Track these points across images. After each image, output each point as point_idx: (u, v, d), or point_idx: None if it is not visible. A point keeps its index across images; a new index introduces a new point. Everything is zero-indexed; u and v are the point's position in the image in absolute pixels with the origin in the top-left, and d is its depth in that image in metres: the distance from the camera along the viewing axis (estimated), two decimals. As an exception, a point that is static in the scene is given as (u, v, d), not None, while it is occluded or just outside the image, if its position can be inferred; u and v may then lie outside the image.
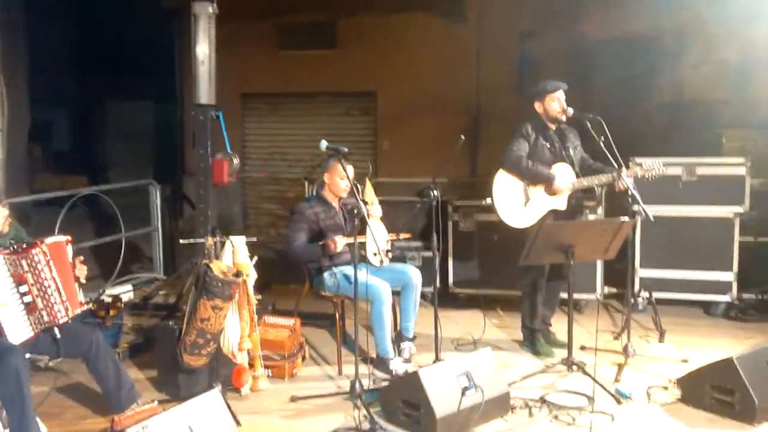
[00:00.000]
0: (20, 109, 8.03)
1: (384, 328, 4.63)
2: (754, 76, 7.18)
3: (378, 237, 4.49)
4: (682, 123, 7.41)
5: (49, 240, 3.68)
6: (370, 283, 4.44)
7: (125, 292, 6.22)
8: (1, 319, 3.43)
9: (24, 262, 3.53)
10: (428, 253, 6.04)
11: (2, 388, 3.33)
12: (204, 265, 4.19)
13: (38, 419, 3.51)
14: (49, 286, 3.57)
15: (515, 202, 4.86)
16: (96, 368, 3.75)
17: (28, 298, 3.54)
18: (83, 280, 3.82)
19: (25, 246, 3.57)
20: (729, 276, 5.81)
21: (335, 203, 4.93)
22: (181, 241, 5.35)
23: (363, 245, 4.63)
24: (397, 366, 4.59)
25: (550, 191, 4.85)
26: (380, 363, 4.62)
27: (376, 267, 4.67)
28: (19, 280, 3.52)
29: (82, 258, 3.85)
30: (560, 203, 4.90)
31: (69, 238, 3.82)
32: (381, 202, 5.05)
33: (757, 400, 3.74)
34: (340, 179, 4.81)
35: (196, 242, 4.76)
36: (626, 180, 4.64)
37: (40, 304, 3.56)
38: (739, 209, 5.79)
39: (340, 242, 4.55)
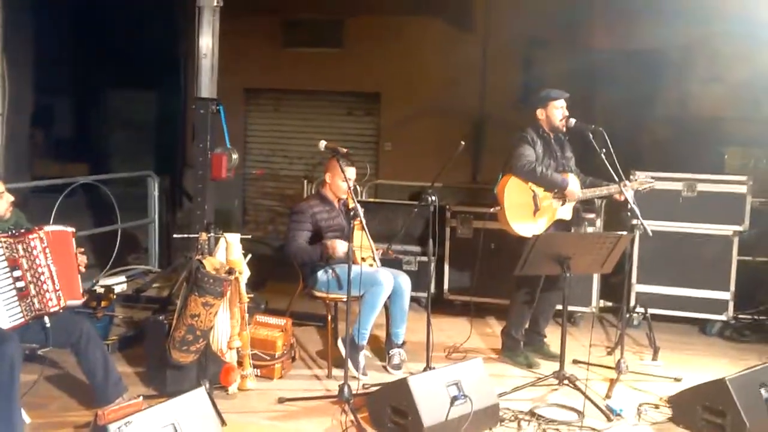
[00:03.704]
0: (23, 94, 8.00)
1: (372, 315, 4.60)
2: (760, 94, 7.15)
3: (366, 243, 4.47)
4: (685, 139, 7.38)
5: (50, 228, 3.67)
6: (369, 271, 4.42)
7: (119, 283, 6.20)
8: None
9: (20, 247, 3.52)
10: (424, 258, 6.00)
11: None
12: (196, 261, 4.16)
13: (22, 409, 3.48)
14: (43, 273, 3.56)
15: (525, 210, 4.82)
16: (84, 359, 3.71)
17: (20, 284, 3.52)
18: (83, 269, 3.81)
19: (23, 231, 3.56)
20: (726, 295, 5.77)
21: (336, 203, 4.90)
22: (174, 235, 5.31)
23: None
24: (362, 364, 4.54)
25: (561, 198, 4.81)
26: (351, 349, 4.52)
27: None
28: (13, 265, 3.50)
29: (82, 250, 3.84)
30: (566, 213, 4.87)
31: (74, 229, 3.81)
32: (379, 205, 5.03)
33: (748, 423, 3.69)
34: (340, 180, 4.79)
35: (189, 237, 4.72)
36: (627, 193, 4.62)
37: (32, 291, 3.54)
38: (739, 228, 5.75)
39: (340, 247, 4.52)
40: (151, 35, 9.11)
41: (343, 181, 4.71)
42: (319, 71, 9.13)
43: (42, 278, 3.55)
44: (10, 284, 3.49)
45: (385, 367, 4.80)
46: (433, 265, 4.89)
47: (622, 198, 4.66)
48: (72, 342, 3.70)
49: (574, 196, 4.82)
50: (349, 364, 4.40)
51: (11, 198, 3.70)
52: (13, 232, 3.55)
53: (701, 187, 5.83)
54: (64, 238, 3.71)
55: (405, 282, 4.81)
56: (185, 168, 9.01)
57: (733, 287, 5.76)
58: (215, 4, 5.64)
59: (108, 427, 2.98)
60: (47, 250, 3.58)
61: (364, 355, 4.70)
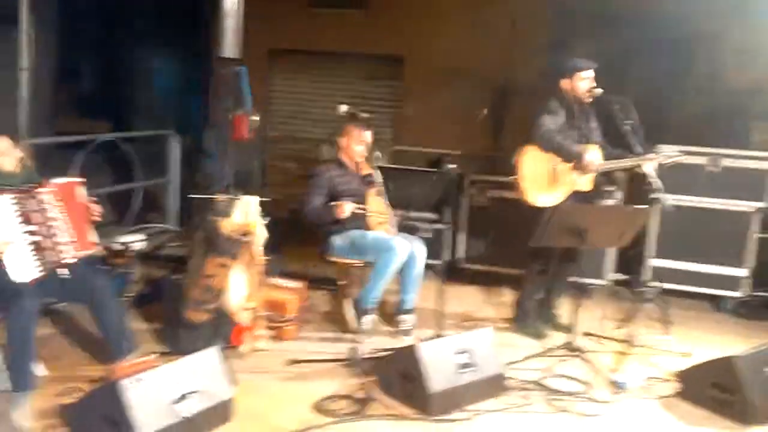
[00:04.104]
0: (49, 51, 8.06)
1: (382, 280, 4.62)
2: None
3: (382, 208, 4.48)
4: (712, 112, 7.23)
5: (59, 180, 3.75)
6: (384, 237, 4.44)
7: (138, 240, 6.26)
8: (9, 257, 3.48)
9: (33, 202, 3.59)
10: (440, 226, 6.01)
11: (11, 327, 3.40)
12: (213, 222, 4.20)
13: (38, 362, 3.58)
14: (57, 227, 3.63)
15: (542, 180, 4.78)
16: (100, 314, 3.78)
17: (36, 237, 3.59)
18: (98, 218, 3.86)
19: (33, 186, 3.63)
20: (742, 272, 5.72)
21: (353, 167, 4.90)
22: (189, 195, 5.36)
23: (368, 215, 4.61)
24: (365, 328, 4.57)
25: (580, 169, 4.76)
26: (358, 311, 4.59)
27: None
28: (26, 220, 3.57)
29: (95, 198, 3.89)
30: (586, 184, 4.82)
31: (81, 180, 3.87)
32: (398, 171, 5.01)
33: (755, 402, 3.70)
34: (356, 145, 4.78)
35: (206, 198, 4.76)
36: (647, 167, 4.56)
37: (48, 244, 3.62)
38: (761, 204, 5.67)
39: (347, 207, 4.54)
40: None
41: (358, 146, 4.70)
42: (344, 33, 9.03)
43: (55, 231, 3.63)
44: (26, 238, 3.56)
45: (394, 333, 4.85)
46: (449, 233, 4.89)
47: (647, 171, 4.58)
48: (88, 297, 3.78)
49: (592, 167, 4.76)
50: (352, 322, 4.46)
51: (19, 154, 3.75)
52: (26, 187, 3.62)
53: (726, 162, 5.74)
54: (73, 190, 3.79)
55: (420, 250, 4.82)
56: (207, 128, 9.04)
57: (751, 264, 5.70)
58: (239, -36, 5.61)
59: (120, 382, 3.05)
60: (59, 203, 3.66)
61: (373, 319, 4.74)
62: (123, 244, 5.41)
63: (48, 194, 3.65)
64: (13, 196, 3.55)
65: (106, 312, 3.77)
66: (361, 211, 4.64)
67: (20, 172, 3.75)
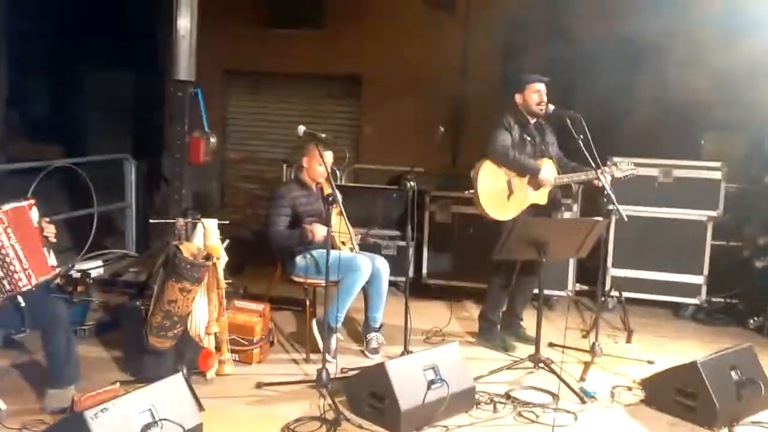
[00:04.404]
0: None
1: (348, 300, 4.62)
2: (738, 80, 7.21)
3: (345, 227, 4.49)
4: (662, 124, 7.44)
5: (7, 206, 3.59)
6: (349, 256, 4.44)
7: (96, 267, 6.14)
8: None
9: None
10: (403, 243, 6.03)
11: None
12: (174, 247, 4.14)
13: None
14: (7, 254, 3.51)
15: (499, 194, 4.84)
16: (50, 341, 3.68)
17: None
18: (53, 239, 3.75)
19: None
20: (699, 279, 5.87)
21: (314, 187, 4.90)
22: (150, 220, 5.28)
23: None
24: (333, 348, 4.57)
25: (535, 183, 4.84)
26: (324, 331, 4.57)
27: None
28: None
29: (47, 219, 3.76)
30: (541, 198, 4.90)
31: (32, 201, 3.73)
32: (357, 189, 5.03)
33: (718, 405, 3.77)
34: (318, 165, 4.78)
35: (166, 222, 4.70)
36: (604, 179, 4.66)
37: (0, 273, 3.50)
38: (713, 213, 5.83)
39: (319, 231, 4.52)
40: (130, 14, 8.98)
41: (320, 166, 4.70)
42: (301, 52, 9.06)
43: (8, 259, 3.51)
44: None
45: (362, 351, 4.83)
46: (411, 249, 4.91)
47: (600, 184, 4.70)
48: (42, 323, 3.68)
49: (547, 182, 4.85)
50: (318, 342, 4.43)
51: None
52: None
53: (677, 173, 5.90)
54: (23, 214, 3.64)
55: (383, 266, 4.82)
56: (163, 151, 8.94)
57: (706, 271, 5.85)
58: (194, -16, 5.57)
59: (84, 413, 2.97)
60: (9, 230, 3.52)
61: (337, 338, 4.71)
62: (81, 271, 5.28)
63: None
64: None
65: (54, 338, 3.67)
66: (334, 234, 4.63)
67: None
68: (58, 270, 3.88)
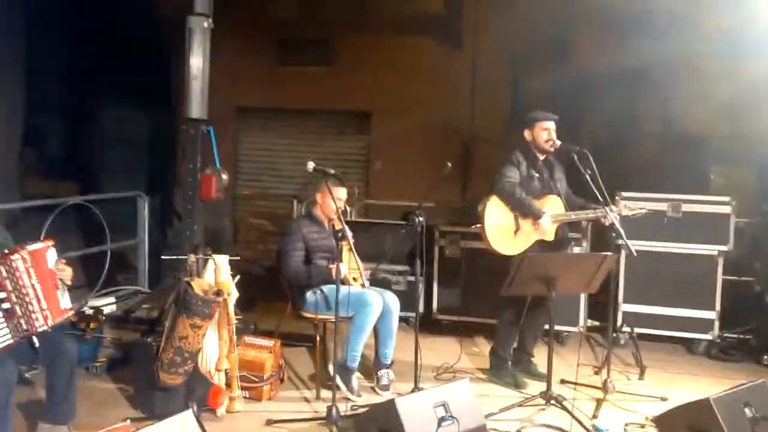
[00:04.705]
0: (14, 114, 8.03)
1: (362, 336, 4.62)
2: (744, 113, 7.25)
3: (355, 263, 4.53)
4: (671, 159, 7.46)
5: (31, 247, 3.63)
6: (359, 292, 4.46)
7: (108, 304, 6.18)
8: None
9: (2, 269, 3.50)
10: (413, 278, 6.03)
11: None
12: (185, 283, 4.18)
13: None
14: (27, 294, 3.53)
15: (506, 230, 4.86)
16: (53, 372, 3.70)
17: (6, 305, 3.49)
18: (68, 282, 3.78)
19: (5, 252, 3.55)
20: (711, 314, 5.82)
21: (326, 223, 4.93)
22: (162, 256, 5.33)
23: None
24: (355, 386, 4.58)
25: (535, 227, 4.85)
26: (344, 371, 4.58)
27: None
28: None
29: (63, 260, 3.79)
30: (549, 234, 4.91)
31: (51, 243, 3.77)
32: (367, 224, 5.07)
33: (732, 443, 3.73)
34: (330, 201, 4.82)
35: (177, 258, 4.74)
36: (612, 216, 4.67)
37: (18, 312, 3.53)
38: (724, 248, 5.81)
39: (342, 269, 4.53)
40: (144, 54, 9.16)
41: (332, 202, 4.75)
42: (311, 89, 9.20)
43: (27, 299, 3.53)
44: None
45: (373, 388, 4.81)
46: (421, 285, 4.92)
47: (608, 222, 4.70)
48: (50, 360, 3.70)
49: (544, 231, 4.85)
50: (341, 385, 4.45)
51: None
52: None
53: (686, 207, 5.89)
54: (42, 255, 3.66)
55: (393, 302, 4.83)
56: (175, 188, 9.05)
57: (718, 306, 5.82)
58: (206, 25, 5.70)
59: (94, 451, 2.98)
60: (31, 270, 3.55)
61: (356, 376, 4.72)
62: (94, 308, 5.32)
63: (20, 261, 3.54)
64: None
65: (58, 374, 3.69)
66: (354, 271, 4.67)
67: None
68: (71, 312, 3.91)
